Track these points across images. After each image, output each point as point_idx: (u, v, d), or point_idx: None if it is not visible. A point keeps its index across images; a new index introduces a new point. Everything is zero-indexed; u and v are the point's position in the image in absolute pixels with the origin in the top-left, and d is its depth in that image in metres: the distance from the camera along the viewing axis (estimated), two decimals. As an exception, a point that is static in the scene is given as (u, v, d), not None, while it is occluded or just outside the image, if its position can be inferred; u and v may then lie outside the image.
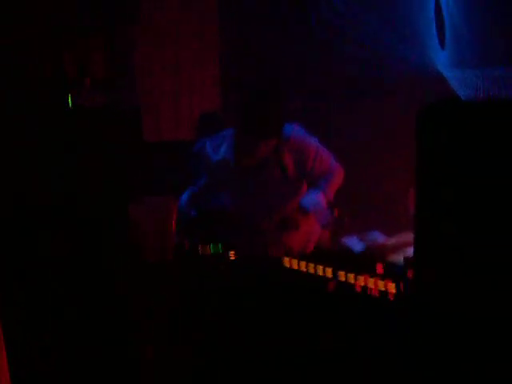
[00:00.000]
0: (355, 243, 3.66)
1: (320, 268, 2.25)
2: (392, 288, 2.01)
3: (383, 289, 2.01)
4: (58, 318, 2.21)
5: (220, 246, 2.97)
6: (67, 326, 2.20)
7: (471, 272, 1.39)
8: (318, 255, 2.53)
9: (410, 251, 3.52)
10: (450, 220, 1.41)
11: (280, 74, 5.40)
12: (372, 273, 2.14)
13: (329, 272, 2.21)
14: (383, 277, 2.09)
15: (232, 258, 2.89)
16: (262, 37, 5.62)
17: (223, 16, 6.16)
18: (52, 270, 2.48)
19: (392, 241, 3.67)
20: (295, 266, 2.34)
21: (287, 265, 2.37)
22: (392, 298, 1.95)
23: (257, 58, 5.63)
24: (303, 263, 2.34)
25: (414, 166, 4.44)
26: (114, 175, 3.32)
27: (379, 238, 3.75)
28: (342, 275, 2.15)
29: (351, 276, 2.13)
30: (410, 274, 2.14)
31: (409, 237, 3.68)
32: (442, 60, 4.58)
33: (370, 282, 2.05)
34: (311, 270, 2.26)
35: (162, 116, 5.94)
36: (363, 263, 2.29)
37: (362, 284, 2.07)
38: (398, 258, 3.38)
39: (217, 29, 6.22)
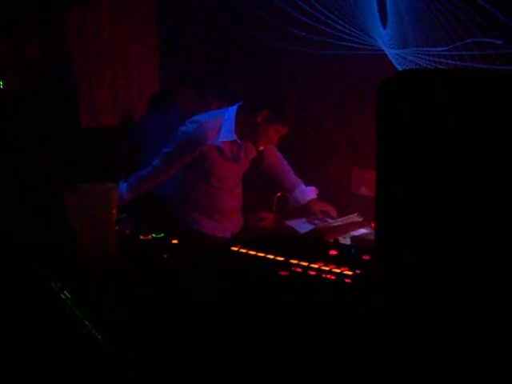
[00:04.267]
0: (300, 225, 3.63)
1: (271, 253, 2.19)
2: (347, 271, 1.96)
3: (338, 271, 1.97)
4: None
5: (163, 234, 2.89)
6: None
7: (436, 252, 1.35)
8: (266, 240, 2.46)
9: (356, 232, 3.53)
10: (415, 200, 1.35)
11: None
12: (325, 258, 2.09)
13: (280, 257, 2.15)
14: (338, 261, 2.04)
15: (175, 242, 2.81)
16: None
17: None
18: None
19: (337, 223, 3.65)
20: (244, 251, 2.28)
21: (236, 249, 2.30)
22: (349, 281, 1.90)
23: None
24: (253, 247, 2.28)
25: (354, 148, 4.42)
26: (47, 161, 3.20)
27: (323, 221, 3.73)
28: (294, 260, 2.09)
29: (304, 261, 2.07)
30: (364, 257, 2.10)
31: (353, 218, 3.68)
32: (384, 38, 4.56)
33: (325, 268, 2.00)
34: (261, 254, 2.21)
35: (99, 101, 5.81)
36: (315, 247, 2.24)
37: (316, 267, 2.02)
38: (345, 239, 3.37)
39: (154, 12, 6.13)
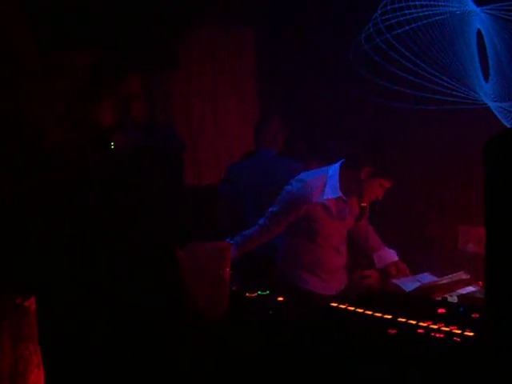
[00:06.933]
0: (406, 284, 3.64)
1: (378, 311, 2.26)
2: (456, 330, 2.00)
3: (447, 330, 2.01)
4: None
5: (268, 292, 3.00)
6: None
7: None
8: (373, 297, 2.53)
9: (463, 290, 3.51)
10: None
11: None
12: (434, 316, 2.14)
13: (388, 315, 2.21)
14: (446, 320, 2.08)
15: (281, 300, 2.91)
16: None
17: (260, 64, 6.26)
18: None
19: (443, 281, 3.64)
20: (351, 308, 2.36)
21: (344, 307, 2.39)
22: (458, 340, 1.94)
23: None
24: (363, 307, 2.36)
25: (460, 205, 4.39)
26: (159, 219, 3.38)
27: (430, 278, 3.72)
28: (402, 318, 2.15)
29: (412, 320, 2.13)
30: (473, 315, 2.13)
31: (460, 276, 3.65)
32: (486, 92, 4.58)
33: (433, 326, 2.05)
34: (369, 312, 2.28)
35: (202, 160, 6.01)
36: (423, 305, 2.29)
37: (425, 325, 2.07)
38: (451, 297, 3.36)
39: (255, 71, 6.33)
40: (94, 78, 4.85)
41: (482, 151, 1.54)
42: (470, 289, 3.54)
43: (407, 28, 4.69)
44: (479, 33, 4.57)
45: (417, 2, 4.50)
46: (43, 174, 3.52)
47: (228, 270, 2.50)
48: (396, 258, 3.96)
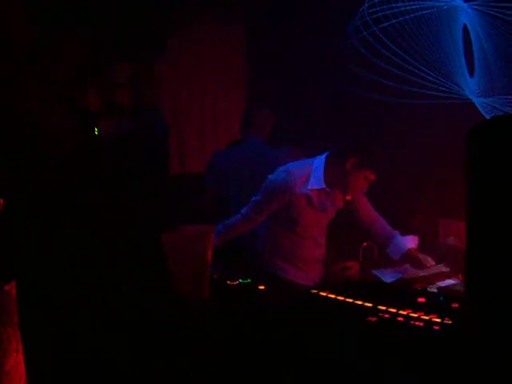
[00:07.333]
0: (386, 275, 3.68)
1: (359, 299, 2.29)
2: (436, 319, 2.03)
3: (427, 318, 2.04)
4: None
5: (249, 280, 3.02)
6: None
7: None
8: (354, 286, 2.56)
9: (443, 283, 3.55)
10: (506, 249, 1.41)
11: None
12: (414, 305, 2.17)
13: (368, 303, 2.24)
14: (426, 308, 2.11)
15: (262, 288, 2.93)
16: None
17: (249, 51, 6.25)
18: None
19: (423, 273, 3.67)
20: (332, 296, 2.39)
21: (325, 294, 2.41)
22: (437, 328, 1.97)
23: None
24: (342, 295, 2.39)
25: (442, 198, 4.42)
26: (143, 203, 3.40)
27: (410, 270, 3.76)
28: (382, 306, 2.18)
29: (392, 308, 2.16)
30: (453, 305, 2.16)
31: (440, 269, 3.69)
32: (471, 87, 4.61)
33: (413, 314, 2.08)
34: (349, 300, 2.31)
35: (187, 147, 6.01)
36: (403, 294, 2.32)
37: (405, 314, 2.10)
38: (431, 289, 3.39)
39: (243, 65, 6.34)
40: (82, 66, 4.86)
41: (463, 141, 1.54)
42: (450, 282, 3.57)
43: (394, 22, 4.72)
44: (465, 28, 4.59)
45: (404, -4, 4.53)
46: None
47: (210, 252, 2.52)
48: (407, 247, 3.88)
